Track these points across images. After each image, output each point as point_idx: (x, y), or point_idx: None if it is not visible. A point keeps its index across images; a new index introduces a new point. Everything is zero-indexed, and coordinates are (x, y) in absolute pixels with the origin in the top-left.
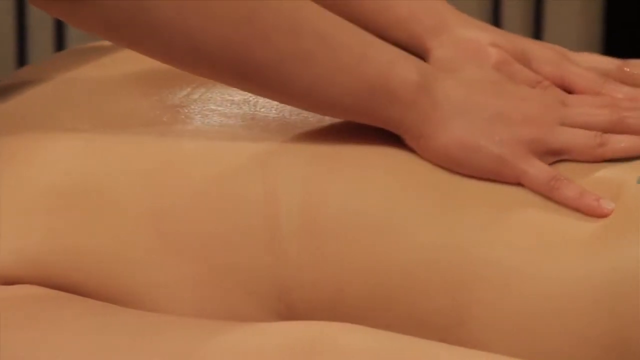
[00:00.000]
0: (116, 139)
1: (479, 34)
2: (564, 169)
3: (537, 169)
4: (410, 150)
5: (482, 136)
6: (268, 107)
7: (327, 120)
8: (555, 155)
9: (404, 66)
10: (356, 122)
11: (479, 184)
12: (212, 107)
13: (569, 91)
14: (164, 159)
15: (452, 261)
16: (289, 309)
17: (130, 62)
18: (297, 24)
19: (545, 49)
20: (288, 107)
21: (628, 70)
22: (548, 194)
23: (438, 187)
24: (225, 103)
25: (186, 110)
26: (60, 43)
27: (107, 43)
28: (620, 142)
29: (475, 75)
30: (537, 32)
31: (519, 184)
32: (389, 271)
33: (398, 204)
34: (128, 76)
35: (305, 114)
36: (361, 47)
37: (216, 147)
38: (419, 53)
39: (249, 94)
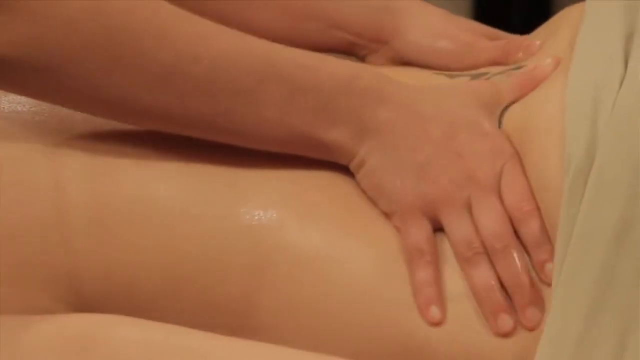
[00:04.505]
0: None
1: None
2: None
3: (413, 231)
4: (192, 145)
5: (393, 180)
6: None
7: (112, 123)
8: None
9: (328, 123)
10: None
11: (267, 173)
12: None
13: None
14: None
15: (245, 246)
16: (80, 300)
17: None
18: (214, 87)
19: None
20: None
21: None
22: (406, 260)
23: (226, 176)
24: (13, 105)
25: None
26: None
27: None
28: (480, 276)
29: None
30: None
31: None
32: (179, 260)
33: (186, 191)
34: None
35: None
36: (283, 101)
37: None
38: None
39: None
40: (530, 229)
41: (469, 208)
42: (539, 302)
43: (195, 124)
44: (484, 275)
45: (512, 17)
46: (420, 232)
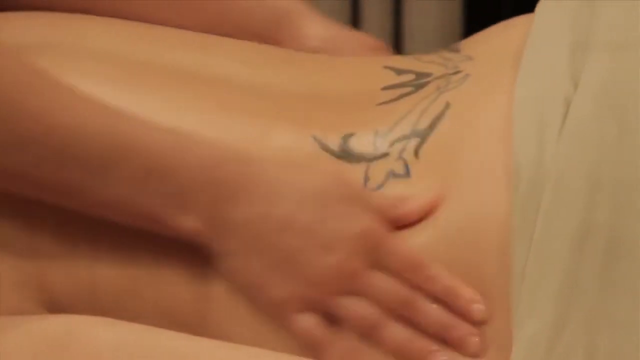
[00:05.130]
0: None
1: None
2: None
3: (296, 329)
4: None
5: (263, 279)
6: None
7: None
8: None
9: (180, 210)
10: None
11: None
12: None
13: None
14: None
15: (196, 253)
16: (52, 300)
17: None
18: (65, 159)
19: None
20: None
21: None
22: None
23: None
24: None
25: None
26: None
27: None
28: (398, 334)
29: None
30: (396, 26)
31: None
32: (136, 262)
33: None
34: None
35: None
36: (137, 182)
37: None
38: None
39: None
40: (439, 284)
41: (351, 291)
42: (473, 331)
43: (49, 190)
44: (394, 332)
45: (503, 18)
46: (304, 325)
